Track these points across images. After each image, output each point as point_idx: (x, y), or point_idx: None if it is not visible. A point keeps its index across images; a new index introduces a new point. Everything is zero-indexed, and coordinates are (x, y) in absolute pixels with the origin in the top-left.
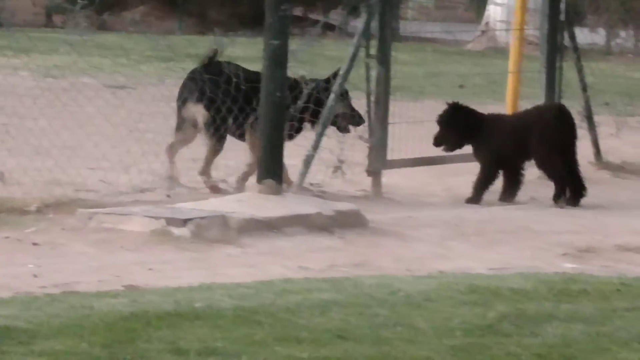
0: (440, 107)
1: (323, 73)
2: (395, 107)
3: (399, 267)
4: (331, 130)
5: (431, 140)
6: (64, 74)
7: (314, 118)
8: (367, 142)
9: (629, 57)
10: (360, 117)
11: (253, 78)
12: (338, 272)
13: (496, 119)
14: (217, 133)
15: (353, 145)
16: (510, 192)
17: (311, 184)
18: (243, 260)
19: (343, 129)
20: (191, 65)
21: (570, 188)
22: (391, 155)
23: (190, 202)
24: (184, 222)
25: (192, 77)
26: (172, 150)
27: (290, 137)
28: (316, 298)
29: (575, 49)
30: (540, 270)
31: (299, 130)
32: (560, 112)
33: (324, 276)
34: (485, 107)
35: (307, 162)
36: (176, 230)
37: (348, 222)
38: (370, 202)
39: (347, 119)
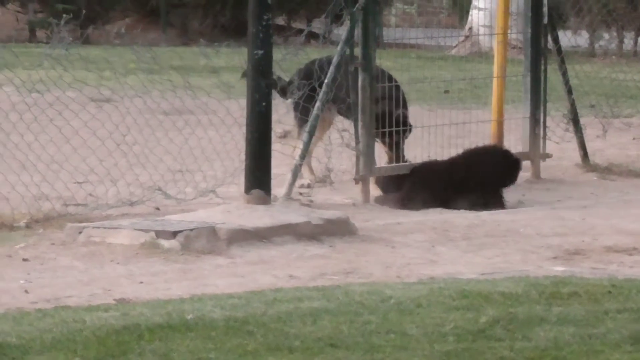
0: (425, 112)
1: None
2: None
3: (389, 274)
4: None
5: (417, 146)
6: (49, 88)
7: None
8: (354, 150)
9: (612, 58)
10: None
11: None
12: (328, 280)
13: None
14: None
15: (340, 153)
16: None
17: (300, 193)
18: (233, 271)
19: None
20: (176, 76)
21: None
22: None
23: (179, 214)
24: (173, 234)
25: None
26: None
27: None
28: (307, 307)
29: (559, 51)
30: (530, 274)
31: None
32: None
33: (314, 285)
34: (470, 112)
35: (295, 171)
36: (165, 243)
37: (337, 230)
38: (358, 209)
39: None
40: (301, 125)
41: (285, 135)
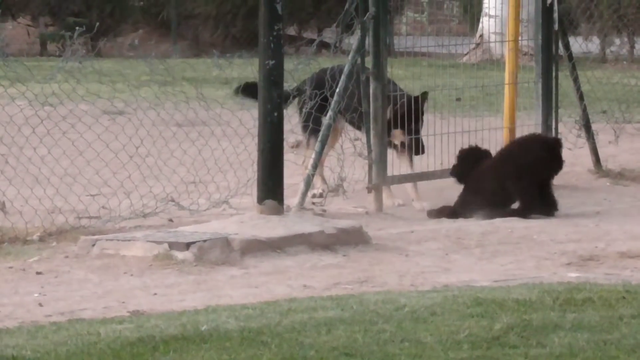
0: (437, 120)
1: None
2: None
3: (403, 283)
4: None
5: (430, 154)
6: (62, 101)
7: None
8: (366, 159)
9: (624, 64)
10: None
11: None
12: (342, 289)
13: None
14: None
15: (353, 162)
16: None
17: (313, 203)
18: (247, 281)
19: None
20: (189, 88)
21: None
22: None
23: (192, 225)
24: (187, 245)
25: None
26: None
27: None
28: (322, 316)
29: (570, 58)
30: (544, 281)
31: None
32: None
33: (328, 294)
34: (483, 119)
35: (307, 181)
36: (179, 254)
37: (350, 240)
38: (371, 218)
39: None
40: (311, 134)
41: (297, 145)
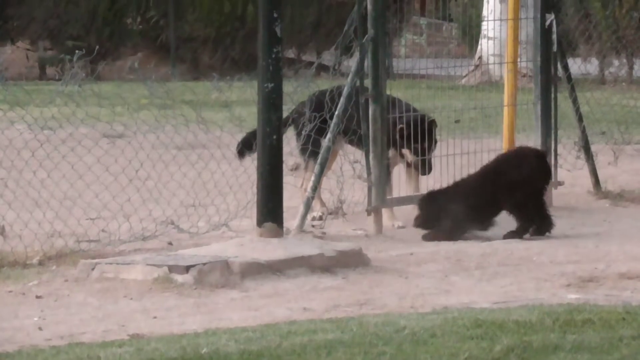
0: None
1: None
2: None
3: (403, 305)
4: (330, 171)
5: (430, 176)
6: (62, 125)
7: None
8: (365, 181)
9: (623, 85)
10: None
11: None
12: (342, 312)
13: None
14: None
15: (352, 185)
16: None
17: (312, 225)
18: (247, 304)
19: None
20: (188, 111)
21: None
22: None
23: (192, 248)
24: (186, 268)
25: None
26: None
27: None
28: (321, 339)
29: (569, 79)
30: (544, 302)
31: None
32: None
33: (328, 317)
34: (482, 141)
35: (307, 203)
36: (179, 277)
37: (350, 262)
38: (371, 240)
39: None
40: (310, 157)
41: (296, 167)
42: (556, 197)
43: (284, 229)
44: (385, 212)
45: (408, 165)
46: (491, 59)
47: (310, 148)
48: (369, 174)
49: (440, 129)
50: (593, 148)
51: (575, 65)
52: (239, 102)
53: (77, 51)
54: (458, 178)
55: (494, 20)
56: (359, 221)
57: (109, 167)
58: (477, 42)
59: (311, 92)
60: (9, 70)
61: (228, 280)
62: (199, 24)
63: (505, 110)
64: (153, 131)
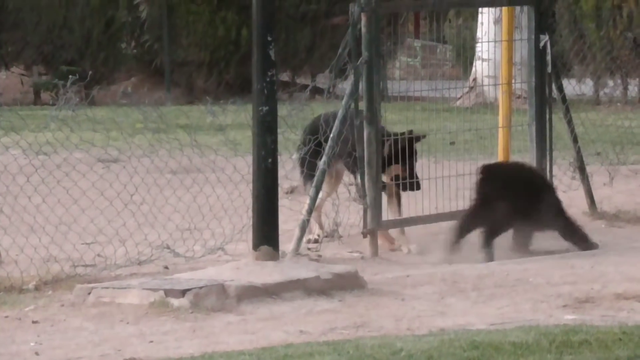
0: (432, 164)
1: None
2: None
3: (399, 327)
4: (326, 194)
5: (425, 198)
6: (56, 150)
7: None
8: (361, 204)
9: (617, 105)
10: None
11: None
12: (339, 334)
13: None
14: None
15: (348, 207)
16: None
17: (308, 248)
18: (243, 328)
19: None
20: (183, 135)
21: None
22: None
23: (188, 272)
24: (183, 292)
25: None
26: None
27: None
28: None
29: (564, 100)
30: (540, 323)
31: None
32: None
33: (325, 340)
34: (477, 163)
35: (303, 226)
36: (175, 301)
37: (346, 285)
38: (367, 263)
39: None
40: (307, 180)
41: (292, 190)
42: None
43: (280, 252)
44: (400, 237)
45: (389, 189)
46: (486, 81)
47: (307, 172)
48: (364, 196)
49: (436, 151)
50: (588, 169)
51: (570, 86)
52: (233, 125)
53: (71, 76)
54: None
55: (488, 41)
56: (354, 244)
57: (104, 191)
58: (471, 63)
59: (305, 115)
60: (4, 96)
61: (224, 304)
62: (193, 48)
63: (500, 131)
64: (148, 155)
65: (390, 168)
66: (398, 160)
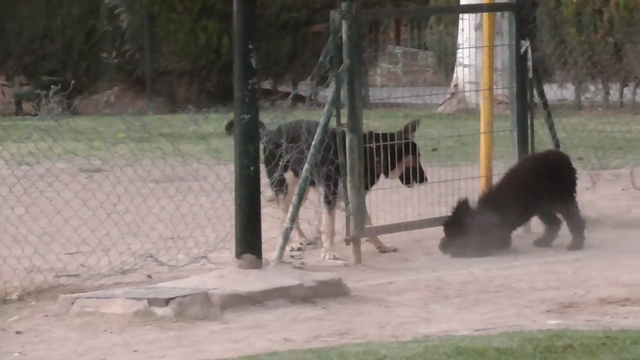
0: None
1: None
2: None
3: (383, 334)
4: (308, 202)
5: (408, 205)
6: (39, 160)
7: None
8: (344, 211)
9: (599, 110)
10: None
11: None
12: (323, 342)
13: None
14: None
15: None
16: None
17: (291, 256)
18: (228, 336)
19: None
20: (165, 144)
21: None
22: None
23: (171, 281)
24: (166, 301)
25: None
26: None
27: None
28: None
29: (546, 105)
30: (524, 329)
31: (373, 181)
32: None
33: (309, 347)
34: (459, 169)
35: (286, 235)
36: (159, 310)
37: (330, 292)
38: (350, 270)
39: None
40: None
41: (274, 198)
42: (534, 223)
43: (263, 260)
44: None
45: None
46: (467, 87)
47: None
48: (347, 203)
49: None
50: None
51: (552, 92)
52: (215, 134)
53: (52, 86)
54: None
55: (470, 47)
56: (338, 251)
57: (87, 201)
58: (452, 70)
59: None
60: None
61: (208, 313)
62: (175, 57)
63: (482, 137)
64: (130, 165)
65: (400, 164)
66: (402, 157)
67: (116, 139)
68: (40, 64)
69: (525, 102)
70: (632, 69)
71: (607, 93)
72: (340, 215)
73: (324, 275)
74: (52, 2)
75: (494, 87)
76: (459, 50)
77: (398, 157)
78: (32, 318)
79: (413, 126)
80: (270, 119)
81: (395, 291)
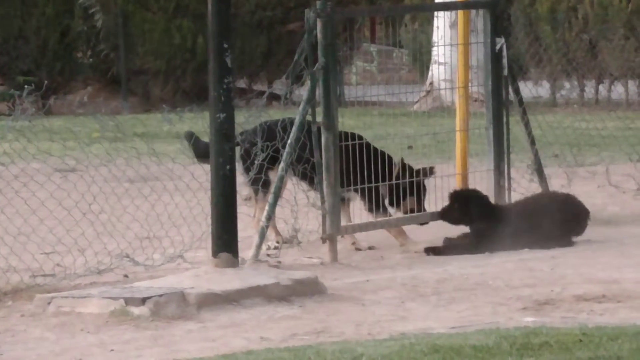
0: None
1: None
2: None
3: (360, 332)
4: (284, 200)
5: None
6: (14, 160)
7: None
8: (320, 209)
9: (574, 107)
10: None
11: None
12: (299, 340)
13: None
14: None
15: (307, 213)
16: None
17: (268, 255)
18: (204, 335)
19: None
20: (140, 144)
21: None
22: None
23: (147, 281)
24: (143, 300)
25: None
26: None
27: None
28: None
29: (521, 103)
30: (500, 326)
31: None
32: None
33: (285, 346)
34: (435, 166)
35: (262, 233)
36: (135, 310)
37: (306, 291)
38: (327, 268)
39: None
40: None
41: (250, 197)
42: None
43: (240, 259)
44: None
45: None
46: (442, 85)
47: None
48: (322, 202)
49: (394, 156)
50: (546, 171)
51: (527, 89)
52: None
53: (27, 86)
54: None
55: (445, 45)
56: (314, 249)
57: (62, 201)
58: (428, 68)
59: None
60: None
61: (184, 312)
62: (149, 56)
63: (458, 135)
64: (105, 164)
65: (405, 202)
66: (413, 194)
67: (91, 139)
68: (15, 64)
69: (500, 100)
70: (606, 66)
71: (582, 90)
72: (316, 214)
73: (300, 274)
74: (26, 2)
75: (469, 84)
76: (434, 48)
77: (411, 193)
78: (8, 318)
79: (431, 171)
80: (246, 117)
81: (372, 289)
